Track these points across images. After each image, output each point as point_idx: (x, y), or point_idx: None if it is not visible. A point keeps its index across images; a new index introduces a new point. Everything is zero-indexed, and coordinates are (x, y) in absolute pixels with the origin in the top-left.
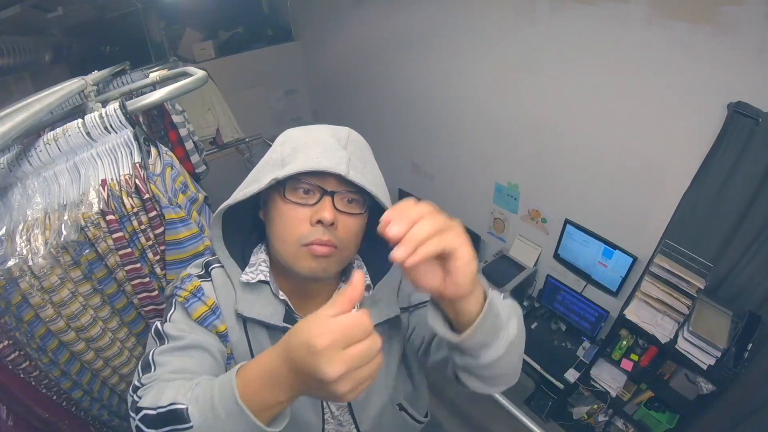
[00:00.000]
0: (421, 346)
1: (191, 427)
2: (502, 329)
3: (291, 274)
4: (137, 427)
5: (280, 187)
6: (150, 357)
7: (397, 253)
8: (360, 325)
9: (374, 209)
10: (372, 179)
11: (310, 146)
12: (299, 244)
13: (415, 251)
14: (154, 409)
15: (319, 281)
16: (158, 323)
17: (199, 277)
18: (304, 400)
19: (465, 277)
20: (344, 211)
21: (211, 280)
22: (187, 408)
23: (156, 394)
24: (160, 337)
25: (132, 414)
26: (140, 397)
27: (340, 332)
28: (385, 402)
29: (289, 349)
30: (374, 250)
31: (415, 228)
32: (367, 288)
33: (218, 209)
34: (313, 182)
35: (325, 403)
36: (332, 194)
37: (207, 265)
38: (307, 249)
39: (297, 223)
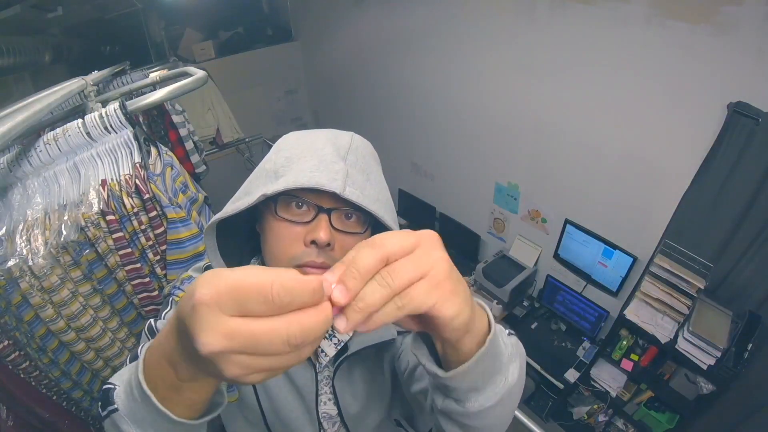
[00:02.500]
0: (406, 371)
1: (116, 409)
2: (499, 374)
3: None
4: (98, 411)
5: (271, 202)
6: (140, 350)
7: (338, 324)
8: (263, 289)
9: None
10: (374, 194)
11: (305, 157)
12: (291, 265)
13: (366, 320)
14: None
15: None
16: (152, 320)
17: None
18: (301, 413)
19: (449, 333)
20: (342, 230)
21: None
22: (115, 388)
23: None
24: (152, 333)
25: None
26: None
27: (230, 287)
28: (382, 418)
29: (180, 303)
30: None
31: (367, 288)
32: None
33: (210, 221)
34: (307, 198)
35: (320, 417)
36: (329, 212)
37: (207, 270)
38: (299, 271)
39: (289, 243)
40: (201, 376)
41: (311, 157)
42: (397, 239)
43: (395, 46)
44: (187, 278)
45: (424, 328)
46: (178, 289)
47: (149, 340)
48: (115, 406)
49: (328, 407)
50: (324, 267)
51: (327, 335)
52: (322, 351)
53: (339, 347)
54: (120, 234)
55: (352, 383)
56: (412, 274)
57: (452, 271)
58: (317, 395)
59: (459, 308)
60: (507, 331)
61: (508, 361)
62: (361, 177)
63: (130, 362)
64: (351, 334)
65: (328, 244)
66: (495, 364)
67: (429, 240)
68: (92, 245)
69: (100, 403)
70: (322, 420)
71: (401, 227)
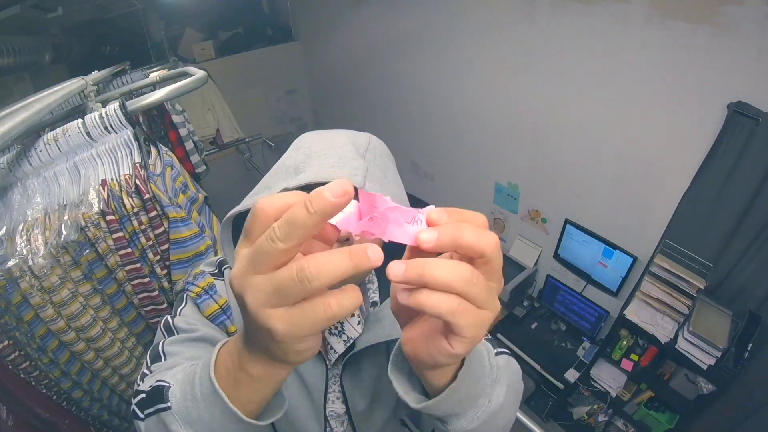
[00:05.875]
0: None
1: (169, 407)
2: (481, 397)
3: None
4: (133, 411)
5: None
6: (160, 348)
7: (394, 270)
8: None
9: None
10: (392, 191)
11: (325, 154)
12: None
13: (423, 296)
14: (146, 391)
15: None
16: (168, 317)
17: (212, 275)
18: (308, 410)
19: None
20: None
21: (223, 280)
22: (169, 386)
23: (156, 376)
24: (170, 330)
25: (132, 400)
26: (143, 382)
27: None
28: (388, 416)
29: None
30: (386, 264)
31: (455, 273)
32: (373, 304)
33: (228, 215)
34: None
35: (327, 416)
36: None
37: (220, 264)
38: None
39: None
40: (265, 358)
41: (331, 154)
42: (494, 243)
43: (395, 46)
44: (199, 273)
45: (410, 339)
46: (192, 284)
47: (165, 337)
48: (169, 404)
49: (336, 406)
50: None
51: (336, 332)
52: (331, 348)
53: (348, 344)
54: (120, 234)
55: (361, 381)
56: (487, 292)
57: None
58: (326, 393)
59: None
60: (495, 351)
61: (493, 382)
62: (380, 174)
63: (151, 361)
64: (359, 332)
65: (347, 239)
66: (475, 390)
67: (499, 254)
68: (92, 245)
69: (142, 399)
70: (329, 418)
71: None
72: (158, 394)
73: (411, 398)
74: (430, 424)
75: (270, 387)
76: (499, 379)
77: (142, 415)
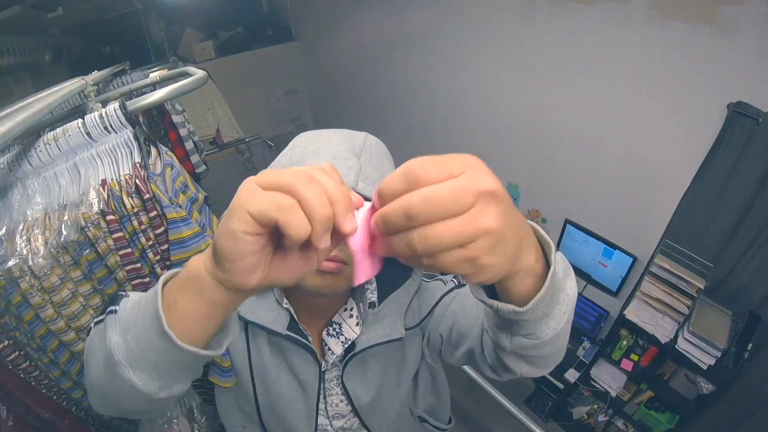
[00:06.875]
0: (442, 344)
1: (115, 311)
2: (561, 292)
3: (297, 287)
4: (88, 328)
5: None
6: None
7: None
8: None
9: None
10: None
11: (319, 153)
12: None
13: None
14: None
15: (325, 297)
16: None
17: None
18: (299, 409)
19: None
20: None
21: None
22: (127, 296)
23: None
24: None
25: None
26: None
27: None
28: (397, 411)
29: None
30: (385, 264)
31: (393, 239)
32: (371, 305)
33: (225, 212)
34: None
35: (318, 413)
36: None
37: None
38: None
39: None
40: (207, 256)
41: (326, 153)
42: (449, 195)
43: (395, 47)
44: None
45: None
46: None
47: None
48: (116, 308)
49: (340, 408)
50: (337, 260)
51: (334, 333)
52: (329, 349)
53: (346, 345)
54: (120, 234)
55: (365, 380)
56: (450, 242)
57: (502, 230)
58: (319, 393)
59: (495, 273)
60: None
61: (564, 275)
62: (375, 174)
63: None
64: (358, 333)
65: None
66: (556, 283)
67: (486, 198)
68: (92, 245)
69: (100, 315)
70: (332, 419)
71: None
72: (113, 300)
73: (512, 307)
74: (447, 412)
75: (202, 301)
76: (567, 272)
77: (97, 320)
